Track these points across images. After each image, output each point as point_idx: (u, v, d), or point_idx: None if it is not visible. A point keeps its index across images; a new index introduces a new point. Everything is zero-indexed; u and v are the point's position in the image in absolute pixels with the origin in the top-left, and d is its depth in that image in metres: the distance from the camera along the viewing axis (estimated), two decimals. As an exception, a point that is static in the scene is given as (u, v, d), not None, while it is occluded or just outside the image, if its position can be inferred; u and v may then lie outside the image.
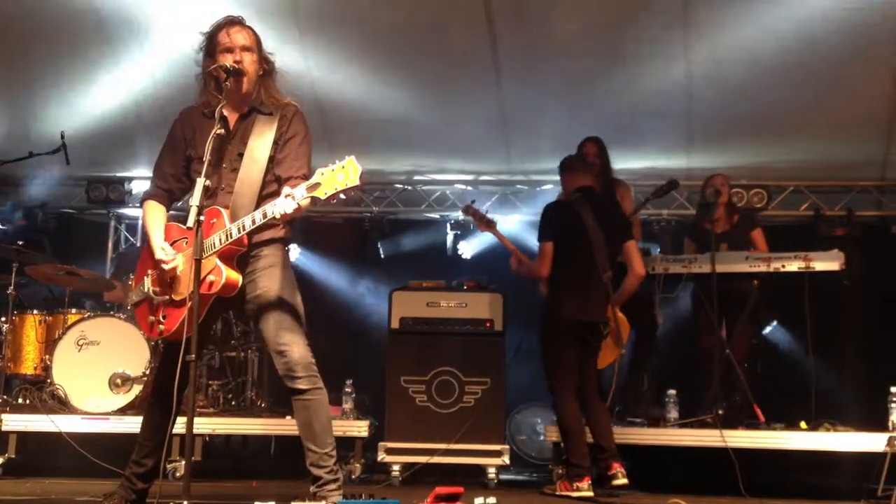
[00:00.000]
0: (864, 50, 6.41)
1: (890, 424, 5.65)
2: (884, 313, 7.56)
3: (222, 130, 3.89)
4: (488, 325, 6.26)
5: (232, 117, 4.12)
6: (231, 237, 3.86)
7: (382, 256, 8.44)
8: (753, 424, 6.00)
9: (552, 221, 5.74)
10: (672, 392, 6.22)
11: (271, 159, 4.04)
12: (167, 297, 4.03)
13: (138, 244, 8.44)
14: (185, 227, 3.88)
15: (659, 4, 6.40)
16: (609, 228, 5.69)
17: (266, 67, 4.14)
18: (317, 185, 3.60)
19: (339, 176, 3.56)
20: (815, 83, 6.67)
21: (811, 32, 6.31)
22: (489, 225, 6.18)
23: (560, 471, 5.89)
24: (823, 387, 6.28)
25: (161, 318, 4.04)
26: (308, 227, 8.08)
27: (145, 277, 4.12)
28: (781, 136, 7.18)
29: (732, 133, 7.21)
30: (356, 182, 3.55)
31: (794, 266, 6.16)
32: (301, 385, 3.96)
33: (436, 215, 8.39)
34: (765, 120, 7.03)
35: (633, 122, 7.05)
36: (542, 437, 7.01)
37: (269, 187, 4.02)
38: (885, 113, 6.92)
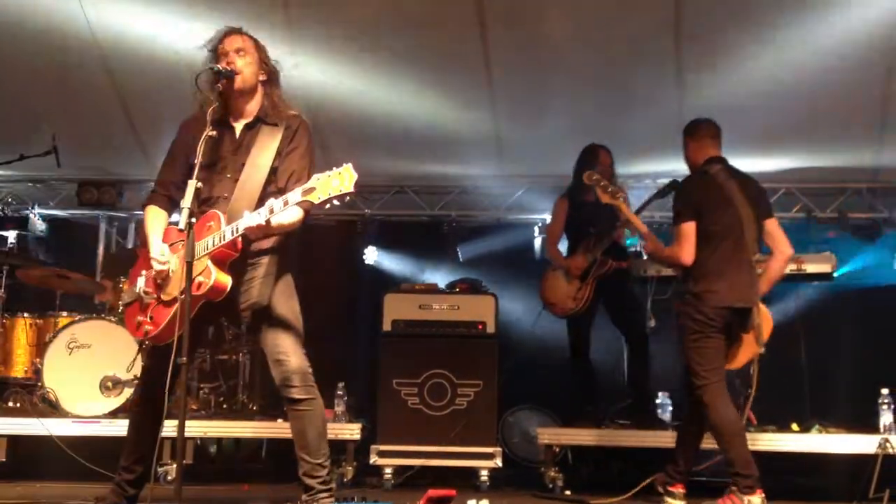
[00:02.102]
0: (857, 53, 6.42)
1: (881, 426, 5.66)
2: (875, 315, 7.58)
3: (214, 133, 3.89)
4: (480, 327, 6.27)
5: (238, 126, 4.13)
6: (224, 239, 3.85)
7: (368, 262, 8.41)
8: (746, 426, 5.99)
9: (694, 197, 5.06)
10: (664, 394, 6.23)
11: (273, 170, 4.05)
12: (156, 296, 4.02)
13: (129, 246, 8.42)
14: (180, 230, 3.91)
15: (651, 9, 6.40)
16: (753, 204, 5.08)
17: (268, 72, 4.14)
18: (311, 189, 3.62)
19: (334, 181, 3.58)
20: (808, 85, 6.68)
21: (804, 39, 6.35)
22: (615, 197, 5.25)
23: (553, 473, 5.88)
24: (815, 388, 6.29)
25: (148, 319, 4.03)
26: (300, 229, 8.06)
27: (139, 278, 4.11)
28: (773, 138, 7.18)
29: (724, 135, 7.20)
30: (351, 189, 3.57)
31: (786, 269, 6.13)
32: (297, 395, 3.97)
33: (427, 217, 8.37)
34: (756, 122, 7.04)
35: (626, 124, 7.05)
36: (534, 440, 7.00)
37: (270, 197, 4.00)
38: (876, 115, 6.93)
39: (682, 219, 4.99)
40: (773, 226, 5.15)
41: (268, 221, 3.75)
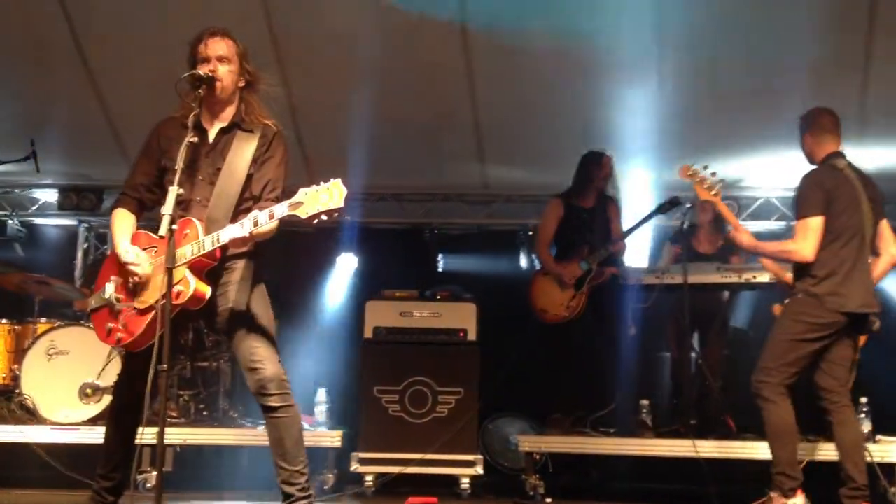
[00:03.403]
0: (830, 58, 6.49)
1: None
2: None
3: (195, 139, 3.85)
4: (462, 334, 6.28)
5: (213, 130, 4.10)
6: (204, 249, 3.83)
7: (347, 269, 8.39)
8: (725, 434, 6.02)
9: (825, 192, 4.72)
10: (645, 402, 6.24)
11: (249, 177, 4.03)
12: (130, 304, 3.98)
13: (109, 253, 8.36)
14: (155, 236, 3.89)
15: (631, 13, 6.44)
16: (873, 204, 4.82)
17: (248, 79, 4.13)
18: (299, 203, 3.58)
19: (322, 196, 3.54)
20: (783, 91, 6.73)
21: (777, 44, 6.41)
22: (714, 193, 5.07)
23: (534, 480, 5.87)
24: (798, 397, 6.31)
25: (121, 326, 3.99)
26: (280, 235, 8.03)
27: (108, 283, 4.04)
28: (750, 146, 7.23)
29: (703, 144, 7.25)
30: (340, 204, 3.53)
31: (765, 277, 6.11)
32: (273, 402, 3.94)
33: (408, 225, 8.37)
34: (735, 131, 7.08)
35: (603, 133, 7.07)
36: (514, 447, 7.01)
37: (245, 203, 4.00)
38: (851, 121, 6.98)
39: (808, 211, 4.71)
40: (885, 227, 4.93)
41: (250, 233, 3.73)
